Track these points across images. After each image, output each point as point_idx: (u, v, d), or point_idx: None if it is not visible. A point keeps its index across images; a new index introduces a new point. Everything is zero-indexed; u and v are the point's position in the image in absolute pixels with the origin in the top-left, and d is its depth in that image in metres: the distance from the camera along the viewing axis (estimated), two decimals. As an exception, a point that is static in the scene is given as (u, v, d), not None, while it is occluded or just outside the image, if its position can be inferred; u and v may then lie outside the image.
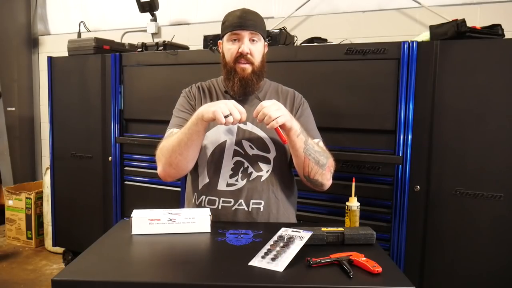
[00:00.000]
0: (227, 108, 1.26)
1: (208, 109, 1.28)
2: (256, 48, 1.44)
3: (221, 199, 1.45)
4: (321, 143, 1.50)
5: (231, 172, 1.44)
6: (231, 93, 1.48)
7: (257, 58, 1.45)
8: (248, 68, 1.43)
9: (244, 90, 1.45)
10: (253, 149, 1.45)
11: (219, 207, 1.44)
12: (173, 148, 1.36)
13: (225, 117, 1.25)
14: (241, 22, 1.41)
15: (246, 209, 1.44)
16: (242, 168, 1.44)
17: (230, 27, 1.43)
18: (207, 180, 1.47)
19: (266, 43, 1.51)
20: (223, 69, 1.49)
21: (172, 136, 1.40)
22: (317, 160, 1.38)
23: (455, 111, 1.84)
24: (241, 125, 1.46)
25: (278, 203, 1.48)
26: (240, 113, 1.27)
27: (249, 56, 1.42)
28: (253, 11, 1.47)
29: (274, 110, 1.27)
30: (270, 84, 1.57)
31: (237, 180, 1.44)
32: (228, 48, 1.45)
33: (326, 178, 1.43)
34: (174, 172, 1.41)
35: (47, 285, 2.74)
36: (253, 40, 1.43)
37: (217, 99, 1.51)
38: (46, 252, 3.33)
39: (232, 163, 1.44)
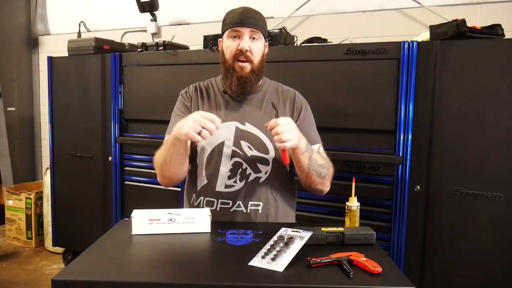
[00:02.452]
0: (197, 124, 1.22)
1: (180, 131, 1.25)
2: (256, 47, 1.42)
3: (220, 200, 1.44)
4: (321, 149, 1.50)
5: (230, 173, 1.43)
6: (228, 91, 1.47)
7: (256, 57, 1.42)
8: (247, 66, 1.41)
9: (242, 89, 1.43)
10: (251, 150, 1.43)
11: (218, 209, 1.44)
12: (161, 164, 1.39)
13: (199, 133, 1.21)
14: (242, 19, 1.40)
15: (245, 210, 1.43)
16: (240, 170, 1.43)
17: (231, 24, 1.41)
18: (205, 181, 1.46)
19: (267, 43, 1.49)
20: (222, 67, 1.47)
21: (159, 150, 1.42)
22: (320, 173, 1.40)
23: (455, 111, 1.84)
24: (240, 126, 1.44)
25: (277, 205, 1.47)
26: (213, 121, 1.23)
27: (248, 53, 1.40)
28: (255, 10, 1.45)
29: (287, 131, 1.24)
30: (270, 83, 1.55)
31: (235, 182, 1.43)
32: (227, 45, 1.43)
33: (326, 186, 1.46)
34: (169, 182, 1.45)
35: (47, 285, 2.74)
36: (254, 38, 1.41)
37: (215, 99, 1.50)
38: (46, 252, 3.33)
39: (230, 165, 1.43)
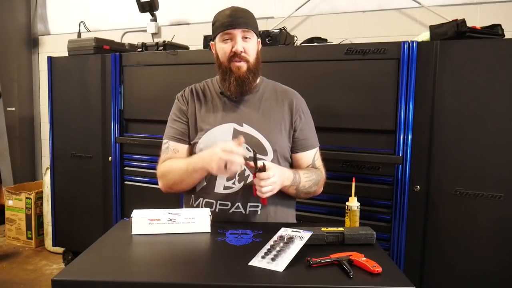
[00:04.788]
0: (223, 161, 1.25)
1: (209, 166, 1.29)
2: (249, 46, 1.42)
3: (218, 201, 1.44)
4: (318, 154, 1.53)
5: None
6: (228, 93, 1.46)
7: (252, 55, 1.42)
8: (243, 66, 1.41)
9: (241, 89, 1.43)
10: (250, 151, 1.44)
11: (217, 210, 1.44)
12: (175, 181, 1.43)
13: (225, 168, 1.26)
14: (232, 20, 1.39)
15: (244, 212, 1.43)
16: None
17: (222, 27, 1.41)
18: (204, 183, 1.46)
19: (259, 39, 1.49)
20: (218, 70, 1.47)
21: (172, 165, 1.43)
22: (308, 192, 1.46)
23: (455, 111, 1.84)
24: (237, 127, 1.44)
25: (276, 206, 1.47)
26: (232, 152, 1.25)
27: (243, 54, 1.40)
28: (243, 9, 1.45)
29: (268, 184, 1.28)
30: (267, 83, 1.55)
31: (234, 183, 1.43)
32: (221, 47, 1.43)
33: (317, 193, 1.52)
34: (174, 192, 1.50)
35: (47, 285, 2.74)
36: (246, 38, 1.41)
37: (212, 100, 1.50)
38: (46, 252, 3.33)
39: None
